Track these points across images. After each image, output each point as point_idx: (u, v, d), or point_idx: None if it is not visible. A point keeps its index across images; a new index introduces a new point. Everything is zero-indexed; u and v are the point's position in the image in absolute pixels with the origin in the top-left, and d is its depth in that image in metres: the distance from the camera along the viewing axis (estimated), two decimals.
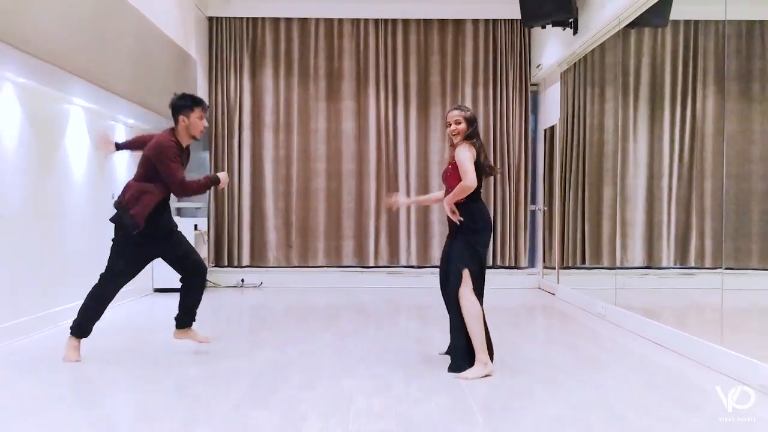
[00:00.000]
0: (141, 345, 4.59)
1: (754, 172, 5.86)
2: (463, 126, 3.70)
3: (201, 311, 6.27)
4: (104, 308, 3.97)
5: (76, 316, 3.92)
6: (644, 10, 5.36)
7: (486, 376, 3.53)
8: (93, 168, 5.82)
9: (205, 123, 3.97)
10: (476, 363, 3.57)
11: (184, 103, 3.92)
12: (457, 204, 3.64)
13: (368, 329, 5.24)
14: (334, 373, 3.68)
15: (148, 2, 5.62)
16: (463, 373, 3.55)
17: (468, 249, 3.62)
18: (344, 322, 5.56)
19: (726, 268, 6.10)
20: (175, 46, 6.23)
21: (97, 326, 3.99)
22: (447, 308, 3.80)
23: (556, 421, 2.92)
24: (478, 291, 3.66)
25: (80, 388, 3.53)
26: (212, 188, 7.79)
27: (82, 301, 3.94)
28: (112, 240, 3.93)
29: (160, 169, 3.79)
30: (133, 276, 4.09)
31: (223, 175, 4.07)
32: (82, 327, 3.90)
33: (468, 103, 8.05)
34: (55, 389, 3.40)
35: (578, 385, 3.49)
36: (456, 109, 3.80)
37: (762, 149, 5.90)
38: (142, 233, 3.77)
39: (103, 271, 3.96)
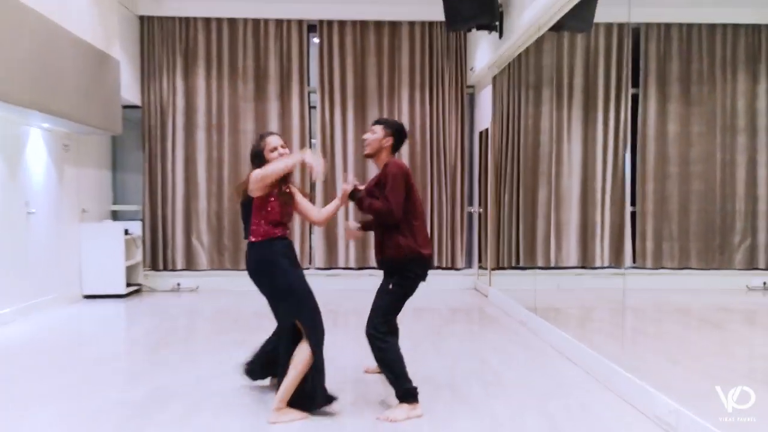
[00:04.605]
0: (29, 366, 4.48)
1: (691, 174, 5.98)
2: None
3: (125, 319, 6.32)
4: None
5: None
6: (561, 16, 5.32)
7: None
8: (1, 176, 5.70)
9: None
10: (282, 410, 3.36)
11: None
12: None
13: None
14: (216, 405, 3.58)
15: (53, 3, 5.41)
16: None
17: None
18: (261, 335, 5.48)
19: (658, 268, 6.27)
20: (90, 48, 6.05)
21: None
22: None
23: None
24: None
25: None
26: (148, 193, 7.73)
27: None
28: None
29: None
30: None
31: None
32: None
33: (405, 105, 8.02)
34: None
35: (468, 414, 3.44)
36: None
37: (699, 151, 6.01)
38: None
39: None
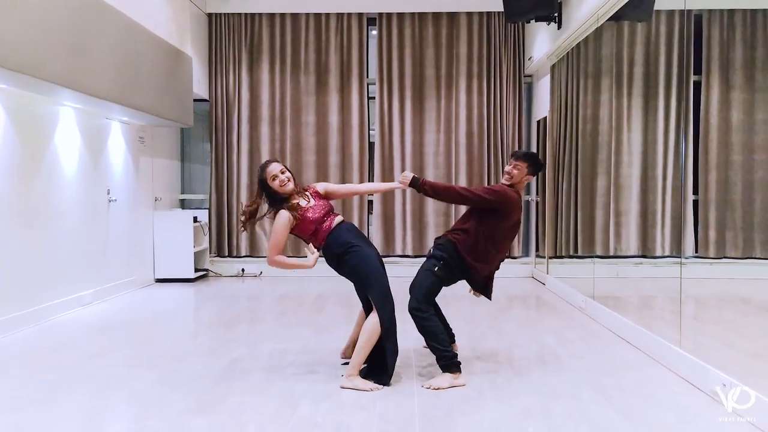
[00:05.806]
0: (115, 342, 4.83)
1: (755, 162, 5.90)
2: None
3: (196, 302, 6.68)
4: None
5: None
6: (620, 6, 5.34)
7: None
8: (85, 165, 6.09)
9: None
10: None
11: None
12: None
13: (346, 323, 5.24)
14: (291, 375, 3.86)
15: (134, 4, 5.77)
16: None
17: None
18: (325, 316, 5.78)
19: (721, 257, 6.21)
20: (166, 45, 6.41)
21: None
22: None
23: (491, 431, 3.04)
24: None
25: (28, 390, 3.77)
26: (214, 183, 8.14)
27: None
28: None
29: None
30: None
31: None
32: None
33: (462, 95, 8.13)
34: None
35: (527, 388, 3.62)
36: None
37: (763, 139, 5.93)
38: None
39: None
